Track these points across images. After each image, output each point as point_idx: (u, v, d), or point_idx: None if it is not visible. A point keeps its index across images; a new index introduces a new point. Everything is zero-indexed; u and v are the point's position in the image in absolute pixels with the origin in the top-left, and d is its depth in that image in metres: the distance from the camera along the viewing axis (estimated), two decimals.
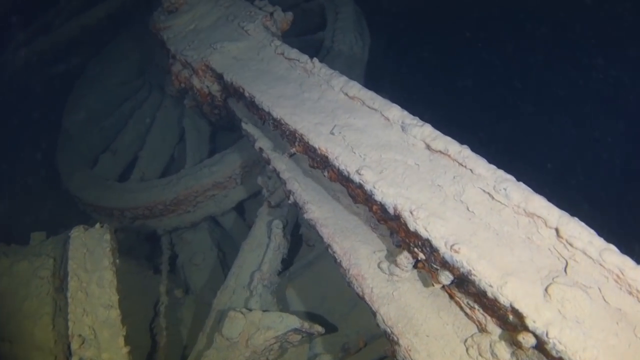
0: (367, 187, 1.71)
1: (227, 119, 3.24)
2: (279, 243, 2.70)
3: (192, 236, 3.65)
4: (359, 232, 1.97)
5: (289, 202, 2.29)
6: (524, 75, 5.25)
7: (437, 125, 1.90)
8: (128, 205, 3.55)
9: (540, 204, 1.49)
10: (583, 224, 1.45)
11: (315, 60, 2.29)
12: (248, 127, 2.66)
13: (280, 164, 2.38)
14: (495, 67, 5.35)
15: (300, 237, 2.99)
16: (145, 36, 3.93)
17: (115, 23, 4.72)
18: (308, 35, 3.94)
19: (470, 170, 1.63)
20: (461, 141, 1.75)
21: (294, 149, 2.13)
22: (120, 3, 4.51)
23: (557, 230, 1.46)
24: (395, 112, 1.87)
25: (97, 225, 2.62)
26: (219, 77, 2.69)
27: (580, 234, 1.43)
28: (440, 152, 1.71)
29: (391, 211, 1.64)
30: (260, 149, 2.55)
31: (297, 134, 2.04)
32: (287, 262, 2.86)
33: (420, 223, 1.55)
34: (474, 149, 1.72)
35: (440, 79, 5.59)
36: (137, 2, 4.57)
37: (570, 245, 1.43)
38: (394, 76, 5.37)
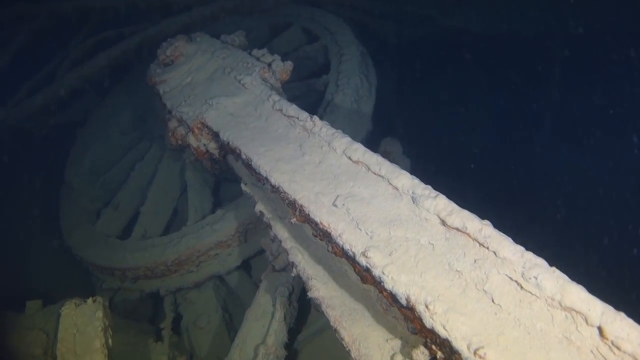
0: (375, 272, 1.50)
1: (230, 172, 3.08)
2: (285, 312, 2.49)
3: (196, 296, 3.45)
4: (369, 315, 1.76)
5: (292, 274, 2.09)
6: (538, 110, 5.04)
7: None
8: (128, 266, 3.38)
9: (578, 297, 1.26)
10: (631, 320, 1.22)
11: (316, 118, 2.11)
12: (247, 188, 2.49)
13: (282, 231, 2.19)
14: (509, 100, 5.15)
15: (309, 302, 2.76)
16: (146, 85, 3.84)
17: (117, 72, 4.64)
18: (312, 79, 3.79)
19: (494, 252, 1.41)
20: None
21: (294, 219, 1.94)
22: (121, 52, 4.43)
23: (600, 329, 1.23)
24: (405, 180, 1.67)
25: (90, 301, 2.44)
26: (216, 135, 2.52)
27: (629, 334, 1.19)
28: (457, 229, 1.50)
29: (403, 302, 1.43)
30: (261, 213, 2.37)
31: (297, 204, 1.85)
32: (294, 330, 2.64)
33: (438, 320, 1.33)
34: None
35: (452, 111, 5.41)
36: (138, 50, 4.49)
37: (617, 348, 1.20)
38: (404, 112, 5.19)
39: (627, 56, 4.92)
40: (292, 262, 2.07)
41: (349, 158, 1.88)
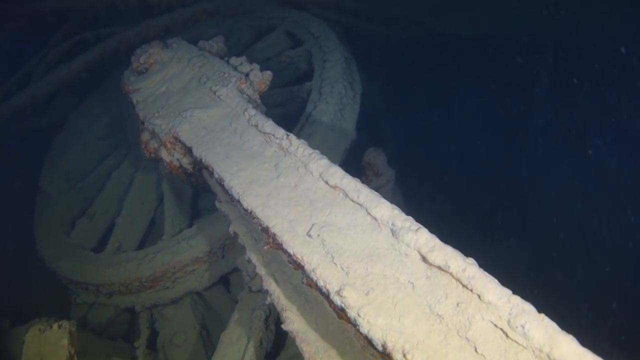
0: (351, 314, 1.38)
1: (207, 184, 2.95)
2: (261, 337, 2.36)
3: (173, 312, 3.32)
4: (346, 352, 1.64)
5: (267, 302, 1.97)
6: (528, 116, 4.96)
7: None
8: (102, 281, 3.25)
9: (568, 349, 1.15)
10: None
11: (292, 137, 1.98)
12: (222, 206, 2.36)
13: (257, 255, 2.07)
14: (500, 106, 5.06)
15: None
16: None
17: (95, 75, 4.48)
18: (295, 86, 3.66)
19: (478, 295, 1.29)
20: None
21: (267, 246, 1.82)
22: (98, 55, 4.26)
23: None
24: (384, 210, 1.55)
25: (55, 327, 2.31)
26: (189, 150, 2.39)
27: None
28: (439, 267, 1.38)
29: (379, 348, 1.31)
30: (235, 234, 2.25)
31: (269, 232, 1.73)
32: (272, 354, 2.52)
33: None
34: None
35: (440, 118, 5.30)
36: (116, 53, 4.32)
37: None
38: (392, 119, 5.08)
39: (621, 59, 4.84)
40: (266, 290, 1.95)
41: (326, 182, 1.76)
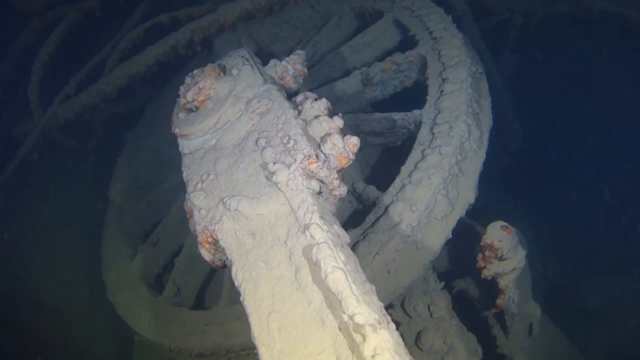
0: None
1: None
2: None
3: None
4: None
5: None
6: None
7: None
8: (150, 338, 2.82)
9: None
10: None
11: (368, 329, 1.17)
12: None
13: None
14: None
15: None
16: None
17: (168, 68, 3.88)
18: (399, 114, 2.72)
19: None
20: None
21: None
22: (169, 47, 3.63)
23: None
24: None
25: None
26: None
27: None
28: None
29: None
30: None
31: None
32: None
33: None
34: None
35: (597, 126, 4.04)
36: (189, 44, 3.66)
37: None
38: (527, 125, 3.93)
39: None
40: None
41: None
